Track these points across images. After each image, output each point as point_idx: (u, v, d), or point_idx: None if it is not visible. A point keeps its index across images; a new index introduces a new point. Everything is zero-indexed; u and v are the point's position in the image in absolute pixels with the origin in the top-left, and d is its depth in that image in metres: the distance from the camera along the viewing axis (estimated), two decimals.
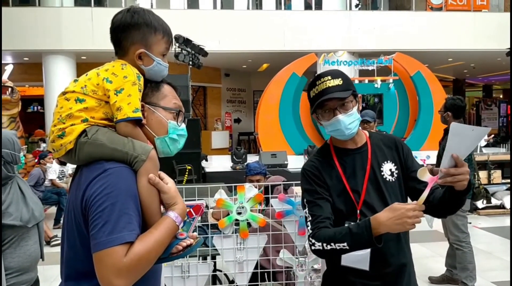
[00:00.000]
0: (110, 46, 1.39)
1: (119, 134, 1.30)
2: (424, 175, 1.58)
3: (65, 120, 1.30)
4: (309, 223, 1.75)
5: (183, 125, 1.44)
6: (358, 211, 1.77)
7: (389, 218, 1.55)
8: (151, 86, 1.41)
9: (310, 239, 1.72)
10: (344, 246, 1.62)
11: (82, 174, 1.29)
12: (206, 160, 12.27)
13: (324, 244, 1.66)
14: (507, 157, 8.78)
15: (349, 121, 1.75)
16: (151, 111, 1.38)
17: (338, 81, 1.76)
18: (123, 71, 1.32)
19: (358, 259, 1.74)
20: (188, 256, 2.84)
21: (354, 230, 1.62)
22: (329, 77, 1.76)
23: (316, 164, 1.84)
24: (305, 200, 1.80)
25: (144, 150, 1.29)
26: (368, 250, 1.72)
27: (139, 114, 1.30)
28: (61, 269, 1.34)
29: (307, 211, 1.78)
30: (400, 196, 1.81)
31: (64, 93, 1.34)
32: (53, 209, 7.65)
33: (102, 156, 1.27)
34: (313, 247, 1.70)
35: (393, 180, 1.81)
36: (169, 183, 1.31)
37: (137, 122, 1.32)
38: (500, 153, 10.26)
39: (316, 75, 1.84)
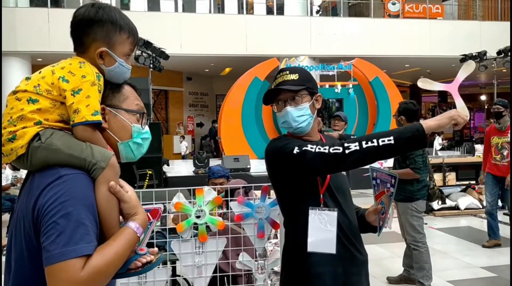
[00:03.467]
0: (68, 48, 1.30)
1: (76, 139, 1.21)
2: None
3: (16, 122, 1.19)
4: (317, 147, 1.68)
5: (147, 128, 1.36)
6: (321, 196, 1.81)
7: (438, 116, 1.64)
8: (111, 87, 1.31)
9: (337, 148, 1.64)
10: (389, 140, 1.59)
11: (34, 180, 1.19)
12: (168, 165, 12.12)
13: (363, 142, 1.61)
14: (461, 160, 9.12)
15: (297, 114, 1.81)
16: (112, 114, 1.29)
17: (294, 76, 1.83)
18: (81, 69, 1.22)
19: (324, 242, 1.75)
20: None
21: (402, 127, 1.64)
22: (287, 72, 1.85)
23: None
24: (293, 147, 1.73)
25: (104, 156, 1.20)
26: (333, 233, 1.75)
27: (98, 117, 1.21)
28: (5, 281, 1.24)
29: (307, 147, 1.70)
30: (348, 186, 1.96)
31: (14, 92, 1.23)
32: (6, 216, 7.35)
33: (57, 162, 1.17)
34: (347, 150, 1.62)
35: (344, 173, 1.94)
36: (129, 192, 1.23)
37: (96, 126, 1.23)
38: (454, 156, 10.64)
39: (279, 69, 1.92)
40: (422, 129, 1.58)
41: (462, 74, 1.95)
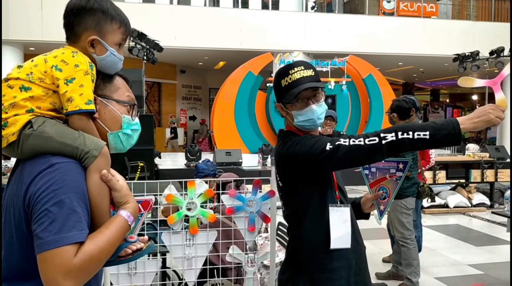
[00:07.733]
0: (61, 38, 1.31)
1: (71, 127, 1.22)
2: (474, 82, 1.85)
3: (7, 109, 1.20)
4: (351, 140, 1.66)
5: (137, 120, 1.38)
6: (336, 192, 1.84)
7: (473, 114, 1.61)
8: (103, 77, 1.33)
9: (372, 138, 1.63)
10: (425, 134, 1.58)
11: (25, 168, 1.19)
12: (160, 157, 12.08)
13: (399, 133, 1.60)
14: (452, 158, 9.19)
15: (320, 111, 1.81)
16: (103, 104, 1.30)
17: (310, 72, 1.80)
18: (74, 59, 1.24)
19: (343, 238, 1.79)
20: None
21: (438, 122, 1.62)
22: (302, 67, 1.79)
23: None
24: (325, 144, 1.69)
25: (97, 145, 1.21)
26: (349, 229, 1.80)
27: (92, 106, 1.22)
28: None
29: (340, 141, 1.67)
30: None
31: (6, 79, 1.24)
32: None
33: (49, 150, 1.18)
34: (383, 141, 1.61)
35: None
36: (120, 181, 1.25)
37: (90, 115, 1.24)
38: (445, 155, 10.72)
39: (286, 65, 1.84)
40: (458, 129, 1.57)
41: (507, 69, 1.92)
